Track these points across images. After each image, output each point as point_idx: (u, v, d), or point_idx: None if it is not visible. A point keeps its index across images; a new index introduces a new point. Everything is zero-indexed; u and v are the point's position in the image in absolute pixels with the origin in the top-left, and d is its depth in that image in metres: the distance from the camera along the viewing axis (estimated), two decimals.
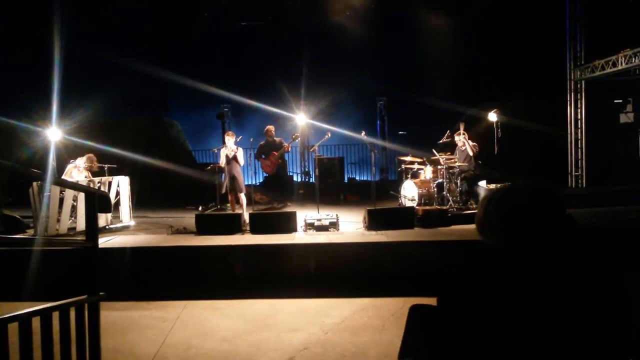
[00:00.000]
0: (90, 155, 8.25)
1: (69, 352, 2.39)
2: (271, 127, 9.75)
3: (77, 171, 8.06)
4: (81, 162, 8.09)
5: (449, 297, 1.78)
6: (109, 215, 7.65)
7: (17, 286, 5.09)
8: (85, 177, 8.04)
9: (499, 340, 1.59)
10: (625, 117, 12.64)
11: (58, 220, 7.02)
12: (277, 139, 9.73)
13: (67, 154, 8.20)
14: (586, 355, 1.53)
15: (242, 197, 8.37)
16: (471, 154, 8.35)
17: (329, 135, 8.48)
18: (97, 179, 7.84)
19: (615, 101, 12.74)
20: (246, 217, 7.40)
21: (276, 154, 9.47)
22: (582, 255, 1.61)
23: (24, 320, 2.00)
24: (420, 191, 8.18)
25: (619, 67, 10.19)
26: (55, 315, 2.31)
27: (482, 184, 8.09)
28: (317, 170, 8.63)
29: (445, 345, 1.83)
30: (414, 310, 2.13)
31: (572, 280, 1.55)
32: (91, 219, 2.92)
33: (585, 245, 1.63)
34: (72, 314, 2.51)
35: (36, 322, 2.12)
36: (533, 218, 1.63)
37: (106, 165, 8.29)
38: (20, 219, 7.49)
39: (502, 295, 1.57)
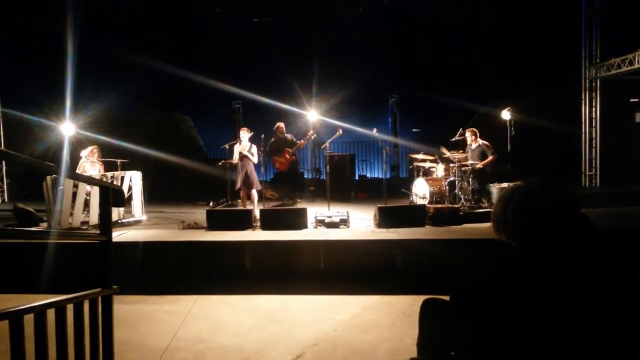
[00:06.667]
0: (95, 146, 8.32)
1: (83, 343, 2.42)
2: (281, 124, 9.72)
3: (90, 165, 8.15)
4: (86, 153, 8.15)
5: (462, 295, 1.77)
6: (122, 209, 7.72)
7: (32, 278, 5.17)
8: (99, 171, 8.12)
9: (514, 338, 1.58)
10: None
11: (71, 214, 7.10)
12: (287, 136, 9.73)
13: (81, 148, 8.29)
14: (600, 353, 1.52)
15: (254, 193, 8.38)
16: (491, 161, 8.29)
17: (340, 132, 8.46)
18: (109, 174, 7.91)
19: (631, 100, 12.57)
20: (257, 213, 7.43)
21: (290, 150, 9.45)
22: (597, 254, 1.60)
23: (39, 312, 2.03)
24: (432, 189, 8.14)
25: (636, 66, 10.04)
26: (70, 308, 2.34)
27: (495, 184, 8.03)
28: (328, 167, 8.62)
29: (459, 342, 1.82)
30: (426, 305, 2.12)
31: (588, 279, 1.54)
32: (106, 212, 2.95)
33: (600, 245, 1.62)
34: (86, 306, 2.54)
35: (51, 314, 2.14)
36: (552, 218, 1.62)
37: (119, 160, 8.36)
38: (33, 212, 7.58)
39: (519, 294, 1.56)
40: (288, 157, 9.47)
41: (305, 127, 12.43)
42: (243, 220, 7.06)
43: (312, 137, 9.54)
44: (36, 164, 2.35)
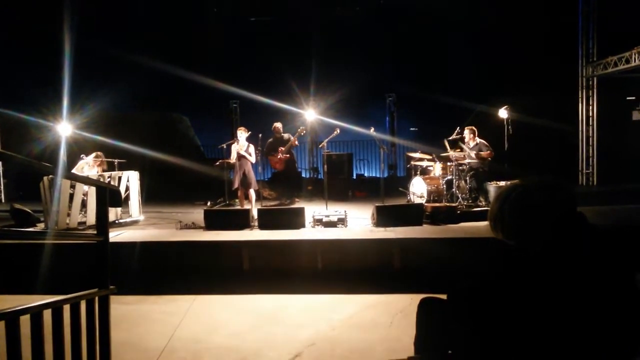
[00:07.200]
0: (99, 153, 8.32)
1: (80, 344, 2.42)
2: (278, 125, 9.71)
3: (88, 167, 8.13)
4: (90, 159, 8.16)
5: (460, 294, 1.77)
6: (119, 209, 7.71)
7: (28, 279, 5.15)
8: (97, 172, 8.10)
9: (511, 337, 1.58)
10: (638, 115, 12.49)
11: (68, 215, 7.08)
12: (284, 135, 9.71)
13: (78, 148, 8.27)
14: (598, 353, 1.52)
15: (252, 192, 8.37)
16: (487, 156, 8.27)
17: (338, 131, 8.46)
18: (107, 174, 7.90)
19: (627, 98, 12.60)
20: (254, 212, 7.42)
21: (282, 148, 9.44)
22: (595, 253, 1.59)
23: (36, 313, 2.02)
24: (429, 188, 8.14)
25: (632, 64, 10.07)
26: (66, 308, 2.33)
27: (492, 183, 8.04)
28: (325, 166, 8.61)
29: (456, 340, 1.82)
30: (424, 304, 2.12)
31: (586, 278, 1.54)
32: (102, 213, 2.95)
33: (598, 244, 1.61)
34: (83, 307, 2.53)
35: (47, 314, 2.14)
36: (550, 216, 1.61)
37: (116, 160, 8.35)
38: (30, 212, 7.56)
39: (516, 292, 1.56)
40: (281, 155, 9.46)
41: (303, 127, 12.45)
42: (241, 220, 7.05)
43: (303, 133, 9.51)
44: (33, 165, 2.34)
